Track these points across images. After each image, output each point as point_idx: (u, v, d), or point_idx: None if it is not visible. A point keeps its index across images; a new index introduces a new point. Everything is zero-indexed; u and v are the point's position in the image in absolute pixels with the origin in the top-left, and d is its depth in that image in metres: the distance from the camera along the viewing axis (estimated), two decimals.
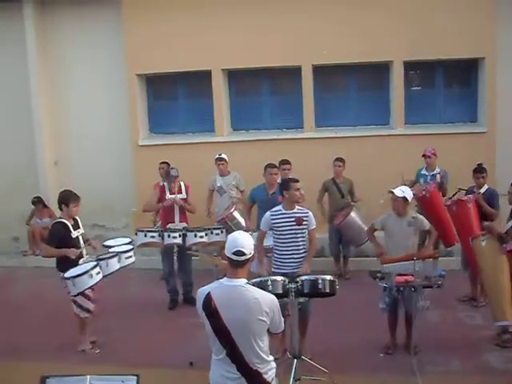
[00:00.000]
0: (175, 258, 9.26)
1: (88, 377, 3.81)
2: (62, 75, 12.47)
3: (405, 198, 7.19)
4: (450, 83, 11.97)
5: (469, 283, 8.70)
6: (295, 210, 6.89)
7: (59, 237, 7.38)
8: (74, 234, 7.46)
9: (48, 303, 9.14)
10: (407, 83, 11.70)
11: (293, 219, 6.84)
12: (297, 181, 7.01)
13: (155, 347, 7.47)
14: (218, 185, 10.43)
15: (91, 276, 6.97)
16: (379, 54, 11.29)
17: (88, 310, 7.42)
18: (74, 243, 7.42)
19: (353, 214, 9.81)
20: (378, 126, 11.85)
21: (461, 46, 11.02)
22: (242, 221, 9.29)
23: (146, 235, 8.74)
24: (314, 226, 6.98)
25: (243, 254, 3.95)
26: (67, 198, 7.49)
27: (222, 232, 8.85)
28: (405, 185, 8.05)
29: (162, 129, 12.62)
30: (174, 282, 9.20)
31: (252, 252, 4.00)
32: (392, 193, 7.22)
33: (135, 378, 3.82)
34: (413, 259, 6.43)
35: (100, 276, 7.12)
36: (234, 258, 3.96)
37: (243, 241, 3.99)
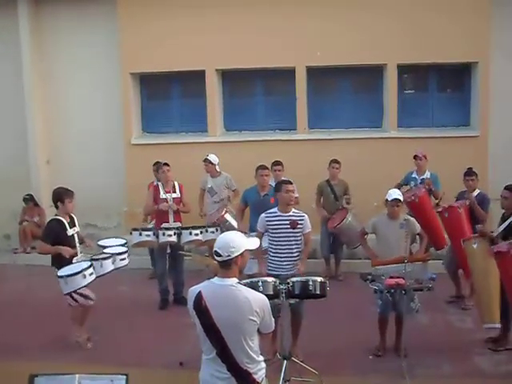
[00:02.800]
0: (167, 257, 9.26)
1: (77, 376, 3.80)
2: (55, 74, 12.45)
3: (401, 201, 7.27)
4: (444, 87, 12.02)
5: (453, 283, 8.76)
6: (291, 213, 6.86)
7: (55, 234, 7.34)
8: (70, 231, 7.43)
9: (38, 301, 9.12)
10: (401, 86, 11.76)
11: (287, 222, 6.81)
12: (289, 183, 6.99)
13: (145, 347, 7.45)
14: (209, 186, 10.41)
15: (84, 276, 6.96)
16: (373, 56, 11.32)
17: (90, 298, 7.40)
18: (70, 241, 7.39)
19: (349, 218, 9.79)
20: (372, 128, 11.87)
21: (454, 50, 11.07)
22: (234, 223, 9.27)
23: (140, 234, 8.72)
24: (310, 230, 6.94)
25: (219, 255, 3.94)
26: (61, 195, 7.47)
27: (217, 230, 8.84)
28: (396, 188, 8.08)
29: (154, 128, 12.60)
30: (165, 282, 9.18)
31: (232, 254, 3.92)
32: (399, 201, 7.23)
33: (124, 377, 3.81)
34: (404, 262, 6.44)
35: (93, 277, 7.10)
36: (215, 257, 3.99)
37: (221, 242, 3.98)
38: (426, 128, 11.72)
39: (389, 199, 7.20)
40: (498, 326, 6.95)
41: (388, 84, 11.53)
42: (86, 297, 7.35)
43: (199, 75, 11.86)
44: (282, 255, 6.84)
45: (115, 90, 12.09)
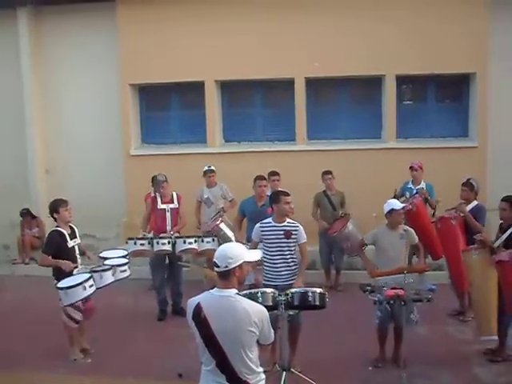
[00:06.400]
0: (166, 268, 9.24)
1: None
2: (54, 83, 12.49)
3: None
4: (442, 98, 12.07)
5: (457, 297, 8.72)
6: (285, 224, 6.84)
7: (55, 245, 7.31)
8: (71, 243, 7.40)
9: (37, 312, 9.08)
10: (399, 97, 11.79)
11: (281, 232, 6.80)
12: (287, 194, 6.96)
13: (144, 358, 7.42)
14: (206, 196, 10.43)
15: (84, 288, 6.93)
16: (372, 67, 11.37)
17: (76, 321, 7.36)
18: (70, 253, 7.36)
19: (350, 226, 9.76)
20: (370, 139, 11.90)
21: (453, 61, 11.12)
22: (229, 232, 9.22)
23: (135, 243, 8.72)
24: (305, 240, 6.90)
25: (217, 265, 3.95)
26: (55, 205, 7.47)
27: (213, 240, 8.84)
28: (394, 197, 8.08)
29: (154, 139, 12.63)
30: (164, 293, 9.17)
31: (229, 266, 3.92)
32: (403, 209, 7.24)
33: None
34: (403, 273, 6.43)
35: (93, 289, 7.06)
36: (214, 268, 4.00)
37: (220, 253, 3.99)
38: (425, 139, 11.76)
39: (396, 208, 7.15)
40: (496, 338, 6.93)
41: (387, 95, 11.57)
42: (71, 317, 7.29)
43: (198, 86, 11.90)
44: (278, 265, 6.82)
45: (114, 101, 12.13)
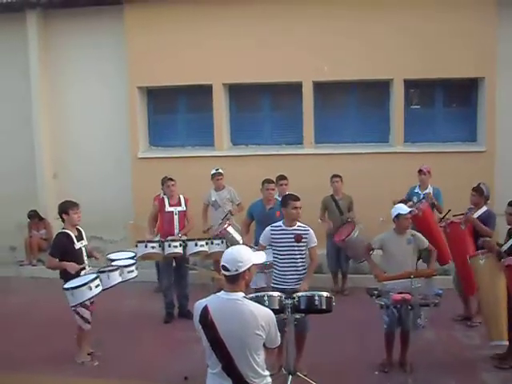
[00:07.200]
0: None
1: None
2: (63, 88, 12.54)
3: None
4: (450, 102, 12.04)
5: (462, 303, 8.69)
6: (295, 227, 6.81)
7: (62, 247, 7.33)
8: (77, 245, 7.41)
9: (44, 314, 9.11)
10: (407, 101, 11.77)
11: (292, 236, 6.78)
12: (297, 199, 6.90)
13: (149, 361, 7.42)
14: (213, 199, 10.46)
15: (90, 288, 6.93)
16: (380, 71, 11.36)
17: (88, 321, 7.36)
18: (77, 255, 7.36)
19: (356, 232, 9.73)
20: (378, 143, 11.88)
21: (461, 66, 11.10)
22: (237, 236, 9.23)
23: (146, 246, 8.69)
24: (315, 244, 6.87)
25: (227, 269, 3.93)
26: (66, 207, 7.47)
27: (222, 242, 8.85)
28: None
29: (161, 142, 12.65)
30: (171, 295, 9.17)
31: (239, 269, 3.90)
32: (410, 213, 7.23)
33: None
34: (410, 277, 6.41)
35: (99, 289, 7.06)
36: (223, 272, 3.98)
37: (228, 256, 3.96)
38: (433, 143, 11.72)
39: (402, 213, 7.13)
40: (506, 342, 6.89)
41: (394, 99, 11.55)
42: (83, 318, 7.28)
43: (206, 89, 11.91)
44: (287, 269, 6.79)
45: (122, 103, 12.17)
